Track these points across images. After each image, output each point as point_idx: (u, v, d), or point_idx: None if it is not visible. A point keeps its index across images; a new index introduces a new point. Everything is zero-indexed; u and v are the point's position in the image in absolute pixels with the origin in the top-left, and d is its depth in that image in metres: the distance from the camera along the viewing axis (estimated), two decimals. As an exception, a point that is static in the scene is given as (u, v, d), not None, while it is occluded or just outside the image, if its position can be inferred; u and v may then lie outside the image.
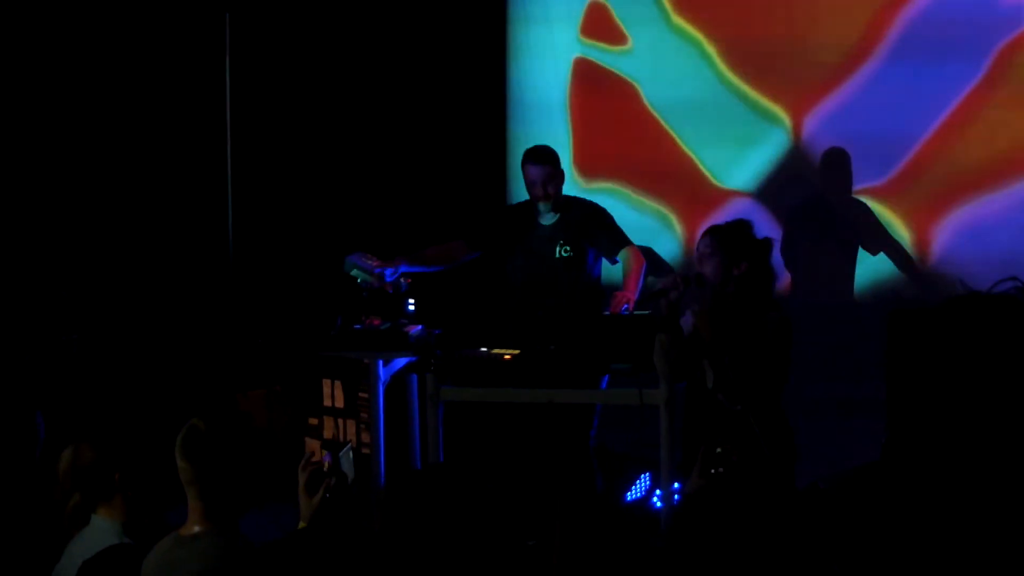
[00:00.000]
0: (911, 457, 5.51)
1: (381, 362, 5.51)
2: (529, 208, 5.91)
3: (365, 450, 5.59)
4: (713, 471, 3.75)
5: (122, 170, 7.24)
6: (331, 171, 7.49)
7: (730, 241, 4.73)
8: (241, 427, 3.20)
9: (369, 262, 5.60)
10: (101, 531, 3.35)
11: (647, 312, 5.32)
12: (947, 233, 7.08)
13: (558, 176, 5.81)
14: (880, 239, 7.12)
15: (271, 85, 7.43)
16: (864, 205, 7.14)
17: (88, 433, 3.48)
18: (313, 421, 5.93)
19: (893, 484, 5.30)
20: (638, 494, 5.83)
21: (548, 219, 5.86)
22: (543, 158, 5.82)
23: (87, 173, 7.21)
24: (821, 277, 7.21)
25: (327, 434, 5.88)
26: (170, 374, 6.97)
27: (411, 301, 5.63)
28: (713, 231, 4.80)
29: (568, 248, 5.78)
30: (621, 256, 5.75)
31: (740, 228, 4.79)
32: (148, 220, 7.25)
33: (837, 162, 7.12)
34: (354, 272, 5.60)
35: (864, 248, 7.15)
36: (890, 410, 5.83)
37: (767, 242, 4.81)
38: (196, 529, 3.13)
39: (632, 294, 5.55)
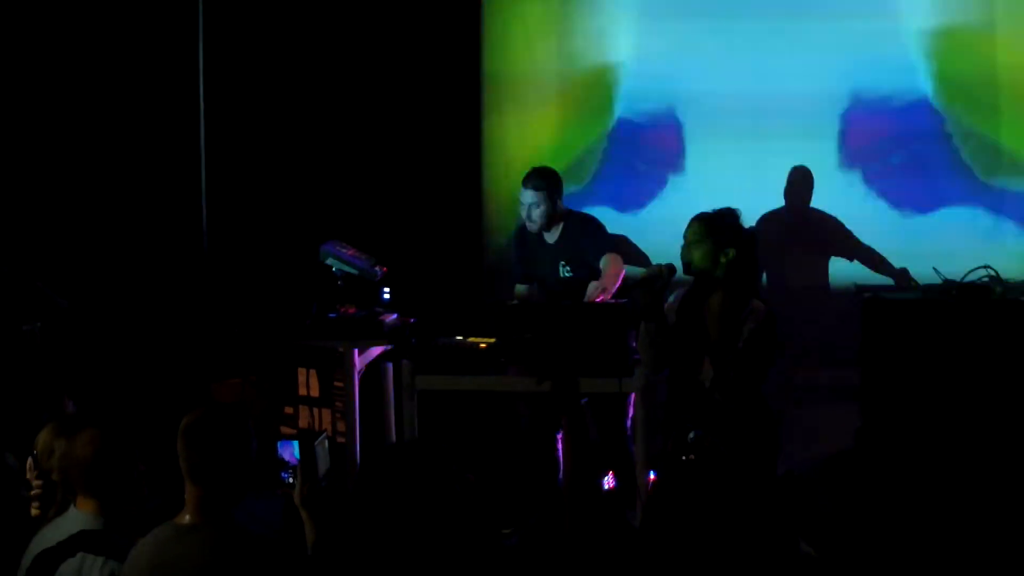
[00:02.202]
0: (885, 444, 5.57)
1: (356, 351, 5.51)
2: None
3: (340, 439, 5.59)
4: (684, 457, 3.76)
5: (94, 159, 7.19)
6: (306, 159, 7.46)
7: (718, 228, 4.73)
8: (243, 417, 3.21)
9: (345, 251, 5.59)
10: (80, 521, 3.33)
11: (623, 301, 5.32)
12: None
13: (547, 202, 5.77)
14: (849, 243, 7.17)
15: (245, 73, 7.39)
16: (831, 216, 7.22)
17: (88, 424, 3.44)
18: (288, 410, 5.92)
19: (867, 470, 5.34)
20: (615, 481, 5.84)
21: (552, 236, 5.86)
22: (532, 184, 5.81)
23: (57, 162, 7.16)
24: (798, 266, 7.25)
25: (302, 423, 5.87)
26: (144, 363, 6.94)
27: (386, 290, 5.62)
28: (701, 218, 4.78)
29: (569, 268, 5.79)
30: (601, 261, 5.72)
31: (728, 215, 4.78)
32: (121, 208, 7.21)
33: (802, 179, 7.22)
34: (329, 260, 5.59)
35: (837, 252, 7.20)
36: (864, 397, 5.89)
37: (752, 232, 4.82)
38: (191, 519, 3.12)
39: (610, 284, 5.54)
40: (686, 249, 4.76)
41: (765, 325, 4.64)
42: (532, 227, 5.81)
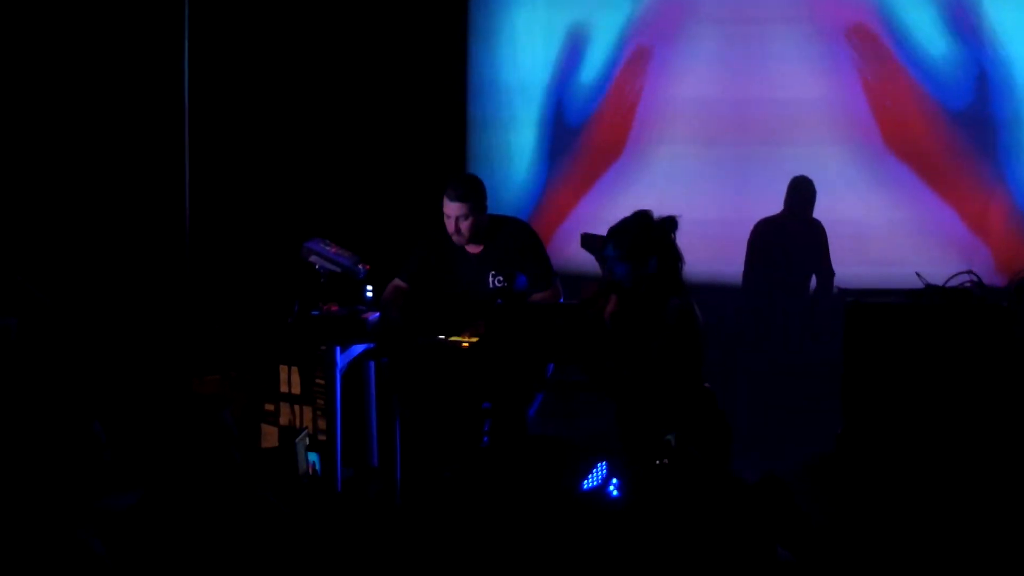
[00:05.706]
0: (866, 449, 5.58)
1: (338, 348, 5.50)
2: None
3: (321, 437, 5.58)
4: (659, 461, 3.77)
5: (76, 154, 7.16)
6: (288, 156, 7.46)
7: (634, 243, 4.73)
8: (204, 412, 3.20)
9: (328, 248, 5.58)
10: None
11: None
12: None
13: (476, 213, 5.51)
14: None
15: (229, 70, 7.38)
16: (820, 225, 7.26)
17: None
18: (269, 407, 5.91)
19: (848, 476, 5.35)
20: (594, 482, 5.82)
21: (475, 247, 5.63)
22: (460, 194, 5.50)
23: (40, 158, 7.13)
24: (795, 271, 7.30)
25: (283, 420, 5.86)
26: (125, 359, 6.92)
27: (369, 288, 5.61)
28: (614, 236, 4.78)
29: (501, 278, 5.61)
30: (538, 292, 5.62)
31: (640, 225, 4.78)
32: (103, 204, 7.19)
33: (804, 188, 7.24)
34: (312, 258, 5.58)
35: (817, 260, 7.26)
36: (845, 402, 5.90)
37: (669, 223, 4.81)
38: None
39: None
40: (608, 269, 4.77)
41: (682, 322, 4.70)
42: (459, 240, 5.56)
